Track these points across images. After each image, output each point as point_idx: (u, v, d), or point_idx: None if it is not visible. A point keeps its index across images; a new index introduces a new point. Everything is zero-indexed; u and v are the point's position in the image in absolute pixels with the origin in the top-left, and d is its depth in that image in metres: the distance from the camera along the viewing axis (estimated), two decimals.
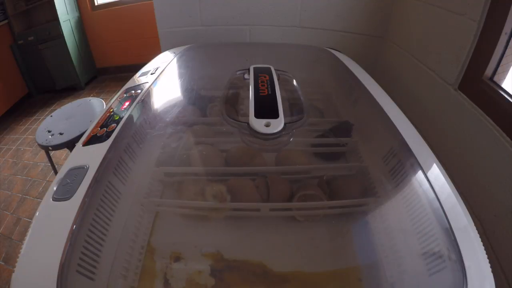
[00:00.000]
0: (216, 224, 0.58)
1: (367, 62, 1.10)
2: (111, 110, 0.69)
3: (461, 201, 0.45)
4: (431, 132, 0.84)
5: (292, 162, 0.67)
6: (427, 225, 0.45)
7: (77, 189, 0.46)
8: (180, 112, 0.77)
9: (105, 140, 0.57)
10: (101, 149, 0.54)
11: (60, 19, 2.60)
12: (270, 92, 0.68)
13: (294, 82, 0.82)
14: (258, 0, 1.19)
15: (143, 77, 0.85)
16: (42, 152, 1.99)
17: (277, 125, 0.58)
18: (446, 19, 0.80)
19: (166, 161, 0.67)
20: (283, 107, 0.63)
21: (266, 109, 0.62)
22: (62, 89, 2.95)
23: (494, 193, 0.62)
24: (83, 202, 0.44)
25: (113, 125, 0.61)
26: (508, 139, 0.59)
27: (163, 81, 0.86)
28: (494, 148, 0.62)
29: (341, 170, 0.71)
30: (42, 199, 0.45)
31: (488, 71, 0.68)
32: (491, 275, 0.37)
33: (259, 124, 0.58)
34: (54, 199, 0.45)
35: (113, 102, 0.74)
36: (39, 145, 1.28)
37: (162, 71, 0.89)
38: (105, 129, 0.60)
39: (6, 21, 2.53)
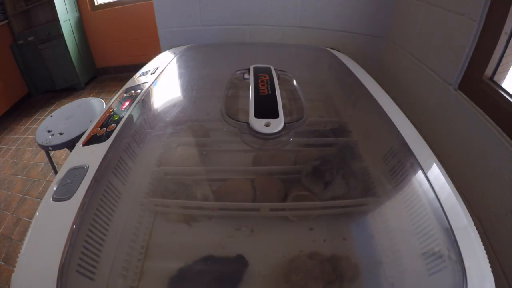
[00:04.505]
0: (216, 224, 0.58)
1: (367, 62, 1.10)
2: (111, 110, 0.69)
3: (461, 201, 0.45)
4: (431, 132, 0.84)
5: (290, 162, 0.67)
6: (427, 225, 0.45)
7: (77, 189, 0.46)
8: (180, 112, 0.77)
9: (105, 140, 0.57)
10: (101, 149, 0.54)
11: (60, 19, 2.60)
12: (270, 92, 0.68)
13: (294, 82, 0.82)
14: (258, 0, 1.19)
15: (143, 77, 0.85)
16: (42, 152, 1.99)
17: (277, 125, 0.58)
18: (446, 19, 0.80)
19: (166, 161, 0.67)
20: (283, 107, 0.63)
21: (266, 109, 0.62)
22: (62, 89, 2.94)
23: (494, 193, 0.62)
24: (83, 202, 0.44)
25: (113, 125, 0.61)
26: (508, 139, 0.59)
27: (163, 81, 0.86)
28: (494, 148, 0.62)
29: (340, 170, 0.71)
30: (42, 199, 0.45)
31: (488, 71, 0.68)
32: (491, 275, 0.37)
33: (259, 124, 0.58)
34: (54, 199, 0.45)
35: (113, 102, 0.74)
36: (39, 145, 1.28)
37: (162, 71, 0.89)
38: (105, 129, 0.60)
39: (6, 21, 2.53)
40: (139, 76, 0.87)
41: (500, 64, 0.67)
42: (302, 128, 0.64)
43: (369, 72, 0.87)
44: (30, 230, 0.41)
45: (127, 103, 0.70)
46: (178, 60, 1.01)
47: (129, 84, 0.82)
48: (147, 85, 0.79)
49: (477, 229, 0.41)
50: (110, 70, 3.24)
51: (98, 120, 0.65)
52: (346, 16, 1.17)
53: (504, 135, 0.60)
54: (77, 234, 0.40)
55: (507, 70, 0.67)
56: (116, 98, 0.75)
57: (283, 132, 0.59)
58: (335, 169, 0.59)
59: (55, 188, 0.47)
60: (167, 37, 1.30)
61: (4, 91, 2.57)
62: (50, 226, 0.42)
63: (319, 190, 0.58)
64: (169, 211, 0.61)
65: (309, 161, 0.62)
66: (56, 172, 1.48)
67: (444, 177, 0.49)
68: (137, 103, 0.70)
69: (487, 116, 0.65)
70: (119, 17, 2.88)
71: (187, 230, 0.57)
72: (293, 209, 0.59)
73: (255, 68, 0.80)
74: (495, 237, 0.61)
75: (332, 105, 0.90)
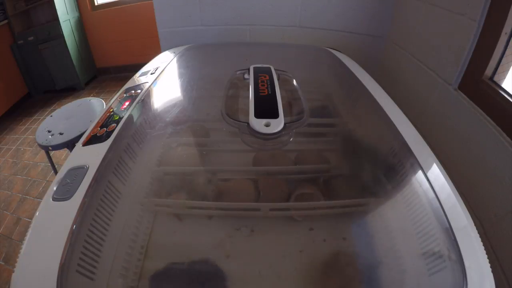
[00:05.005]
0: (216, 224, 0.58)
1: (367, 62, 1.10)
2: (111, 110, 0.69)
3: (461, 201, 0.45)
4: (431, 132, 0.84)
5: (290, 162, 0.67)
6: (427, 225, 0.45)
7: (77, 189, 0.46)
8: (180, 112, 0.77)
9: (105, 140, 0.57)
10: (101, 149, 0.54)
11: (60, 19, 2.60)
12: (270, 92, 0.68)
13: (294, 82, 0.82)
14: (258, 0, 1.19)
15: (143, 77, 0.85)
16: (42, 152, 1.99)
17: (277, 125, 0.58)
18: (446, 19, 0.80)
19: (166, 161, 0.67)
20: (283, 107, 0.63)
21: (266, 109, 0.62)
22: (62, 89, 2.94)
23: (494, 193, 0.62)
24: (83, 202, 0.44)
25: (113, 125, 0.61)
26: (508, 139, 0.59)
27: (163, 81, 0.86)
28: (494, 148, 0.62)
29: (341, 170, 0.71)
30: (42, 199, 0.45)
31: (488, 71, 0.68)
32: (491, 275, 0.37)
33: (259, 124, 0.58)
34: (54, 199, 0.45)
35: (113, 102, 0.74)
36: (39, 145, 1.28)
37: (162, 71, 0.89)
38: (105, 129, 0.60)
39: (6, 21, 2.53)
40: (139, 76, 0.87)
41: (500, 64, 0.67)
42: (302, 128, 0.64)
43: (369, 72, 0.87)
44: (30, 230, 0.41)
45: (127, 103, 0.70)
46: (178, 60, 1.01)
47: (129, 84, 0.82)
48: (147, 85, 0.79)
49: (477, 229, 0.41)
50: (110, 70, 3.24)
51: (98, 120, 0.65)
52: (346, 16, 1.17)
53: (504, 135, 0.60)
54: (77, 234, 0.40)
55: (507, 70, 0.67)
56: (116, 98, 0.75)
57: (283, 132, 0.59)
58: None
59: (55, 188, 0.47)
60: (167, 37, 1.30)
61: (4, 91, 2.57)
62: (50, 226, 0.42)
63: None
64: (169, 211, 0.61)
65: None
66: (56, 172, 1.48)
67: (444, 177, 0.49)
68: (137, 103, 0.70)
69: (487, 116, 0.65)
70: (119, 17, 2.88)
71: (187, 230, 0.57)
72: (294, 209, 0.59)
73: (255, 68, 0.80)
74: (495, 237, 0.61)
75: (332, 105, 0.90)
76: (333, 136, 0.77)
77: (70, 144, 1.26)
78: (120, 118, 0.64)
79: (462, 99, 0.73)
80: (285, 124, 0.59)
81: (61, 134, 1.29)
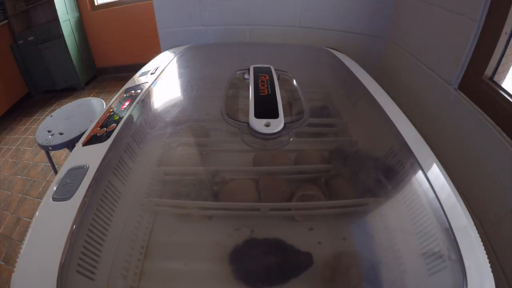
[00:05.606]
0: (216, 224, 0.58)
1: (367, 62, 1.10)
2: (111, 110, 0.69)
3: (461, 201, 0.45)
4: (431, 132, 0.84)
5: (290, 162, 0.67)
6: (427, 225, 0.45)
7: (77, 189, 0.46)
8: (180, 112, 0.77)
9: (105, 140, 0.57)
10: (101, 149, 0.54)
11: (60, 19, 2.60)
12: (270, 92, 0.68)
13: (294, 82, 0.82)
14: (258, 0, 1.19)
15: (143, 77, 0.85)
16: (42, 152, 1.99)
17: (277, 125, 0.58)
18: (446, 19, 0.80)
19: (166, 161, 0.67)
20: (283, 107, 0.63)
21: (266, 109, 0.62)
22: (62, 89, 2.95)
23: (494, 193, 0.62)
24: (83, 202, 0.44)
25: (113, 125, 0.61)
26: (508, 139, 0.59)
27: (163, 81, 0.86)
28: (494, 148, 0.62)
29: (341, 170, 0.71)
30: (42, 199, 0.45)
31: (488, 71, 0.68)
32: (491, 275, 0.37)
33: (259, 124, 0.58)
34: (54, 199, 0.45)
35: (113, 102, 0.74)
36: (39, 145, 1.28)
37: (162, 71, 0.89)
38: (105, 129, 0.60)
39: (6, 21, 2.53)
40: (139, 76, 0.87)
41: (500, 64, 0.67)
42: (302, 128, 0.64)
43: (369, 72, 0.87)
44: (30, 230, 0.41)
45: (127, 103, 0.70)
46: (178, 60, 1.01)
47: (129, 84, 0.82)
48: (147, 85, 0.79)
49: (477, 229, 0.41)
50: (110, 70, 3.24)
51: (98, 120, 0.65)
52: (346, 16, 1.17)
53: (504, 135, 0.60)
54: (77, 234, 0.40)
55: (507, 70, 0.67)
56: (116, 98, 0.75)
57: (283, 132, 0.59)
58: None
59: (55, 188, 0.47)
60: (167, 37, 1.30)
61: (4, 91, 2.57)
62: (50, 226, 0.42)
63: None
64: (169, 211, 0.61)
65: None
66: (56, 172, 1.47)
67: (444, 177, 0.49)
68: (137, 103, 0.70)
69: (487, 116, 0.65)
70: (119, 17, 2.88)
71: (187, 230, 0.57)
72: (294, 209, 0.59)
73: (255, 68, 0.80)
74: (495, 237, 0.61)
75: (332, 105, 0.90)
76: (333, 136, 0.77)
77: (70, 144, 1.26)
78: (120, 118, 0.64)
79: (462, 99, 0.73)
80: (285, 124, 0.59)
81: (61, 134, 1.29)
